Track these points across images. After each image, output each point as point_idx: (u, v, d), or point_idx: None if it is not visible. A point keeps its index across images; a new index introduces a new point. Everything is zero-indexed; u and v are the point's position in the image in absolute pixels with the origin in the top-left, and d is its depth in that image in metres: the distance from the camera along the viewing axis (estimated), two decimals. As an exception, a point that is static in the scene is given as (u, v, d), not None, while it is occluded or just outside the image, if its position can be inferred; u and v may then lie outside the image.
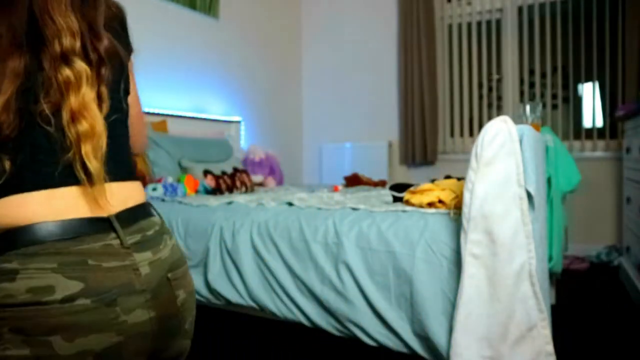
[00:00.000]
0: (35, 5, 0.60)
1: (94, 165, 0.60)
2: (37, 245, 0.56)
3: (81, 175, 0.61)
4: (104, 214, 0.62)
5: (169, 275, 0.67)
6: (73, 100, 0.61)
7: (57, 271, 0.55)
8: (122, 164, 0.70)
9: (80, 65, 0.62)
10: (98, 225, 0.60)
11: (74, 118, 0.60)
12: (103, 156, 0.62)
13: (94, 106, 0.63)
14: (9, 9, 0.60)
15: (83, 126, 0.60)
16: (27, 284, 0.54)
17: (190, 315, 0.72)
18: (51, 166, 0.60)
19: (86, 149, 0.60)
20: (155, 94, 3.15)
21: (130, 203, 0.67)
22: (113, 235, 0.61)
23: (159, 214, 0.74)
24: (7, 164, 0.58)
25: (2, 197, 0.58)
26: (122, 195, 0.66)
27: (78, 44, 0.62)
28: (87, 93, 0.62)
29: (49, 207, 0.58)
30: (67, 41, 0.61)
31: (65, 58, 0.61)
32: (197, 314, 2.36)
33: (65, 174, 0.61)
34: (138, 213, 0.68)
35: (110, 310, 0.57)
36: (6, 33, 0.59)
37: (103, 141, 0.62)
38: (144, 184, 2.41)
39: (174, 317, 0.67)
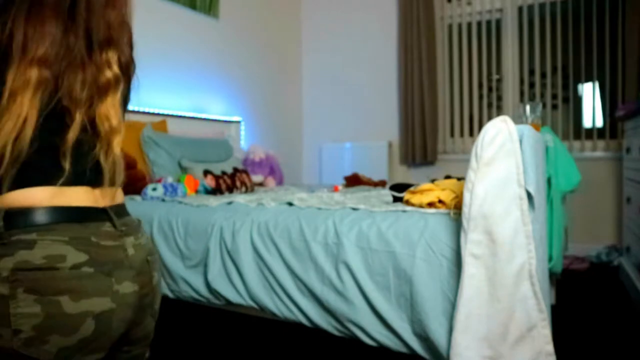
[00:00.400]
0: (91, 22, 0.72)
1: (117, 153, 0.74)
2: (52, 223, 0.66)
3: (104, 164, 0.73)
4: (101, 206, 0.73)
5: (148, 257, 0.79)
6: (109, 101, 0.73)
7: (68, 243, 0.65)
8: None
9: (117, 70, 0.74)
10: (98, 214, 0.72)
11: (108, 116, 0.73)
12: (120, 151, 0.75)
13: (119, 109, 0.76)
14: (74, 24, 0.70)
15: (114, 122, 0.73)
16: (43, 252, 0.64)
17: (159, 297, 0.83)
18: (78, 168, 0.72)
19: (116, 140, 0.74)
20: (155, 94, 3.15)
21: (118, 202, 0.79)
22: (108, 223, 0.72)
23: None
24: (67, 165, 0.69)
25: (31, 186, 0.67)
26: (110, 193, 0.78)
27: (116, 56, 0.75)
28: (117, 97, 0.75)
29: (66, 197, 0.69)
30: (111, 52, 0.73)
31: (109, 64, 0.73)
32: (197, 314, 2.35)
33: (82, 175, 0.72)
34: (123, 210, 0.80)
35: (108, 279, 0.68)
36: (79, 47, 0.70)
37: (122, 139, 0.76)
38: (144, 184, 2.41)
39: (149, 294, 0.78)
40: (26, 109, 0.65)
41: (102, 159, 0.73)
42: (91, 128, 0.72)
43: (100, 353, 0.69)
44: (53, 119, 0.68)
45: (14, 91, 0.65)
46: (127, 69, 0.79)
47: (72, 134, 0.69)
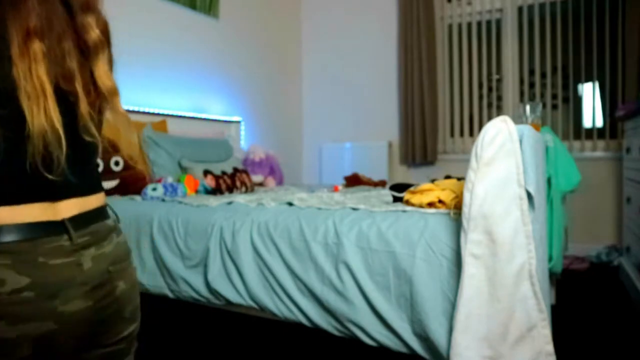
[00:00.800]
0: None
1: (122, 112, 0.74)
2: (2, 244, 0.63)
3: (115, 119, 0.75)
4: (60, 218, 0.69)
5: (110, 268, 0.75)
6: (101, 64, 0.72)
7: (10, 267, 0.63)
8: (90, 172, 0.78)
9: (100, 34, 0.73)
10: (53, 229, 0.67)
11: (103, 78, 0.72)
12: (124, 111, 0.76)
13: (111, 72, 0.75)
14: (52, 8, 0.68)
15: (110, 83, 0.73)
16: None
17: (130, 304, 0.79)
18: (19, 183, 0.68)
19: (117, 99, 0.74)
20: (155, 94, 3.15)
21: (88, 208, 0.74)
22: (65, 237, 0.68)
23: (115, 213, 0.83)
24: (94, 135, 0.72)
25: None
26: (80, 202, 0.73)
27: (95, 20, 0.73)
28: (106, 60, 0.74)
29: (21, 213, 0.65)
30: (90, 17, 0.72)
31: (91, 27, 0.71)
32: (197, 314, 2.35)
33: (34, 191, 0.67)
34: (93, 216, 0.75)
35: (50, 302, 0.65)
36: (59, 16, 0.69)
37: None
38: (144, 184, 2.41)
39: (111, 305, 0.74)
40: (45, 83, 0.64)
41: (111, 116, 0.75)
42: (93, 92, 0.72)
43: None
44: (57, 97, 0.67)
45: (27, 68, 0.63)
46: (107, 34, 0.77)
47: (84, 106, 0.69)
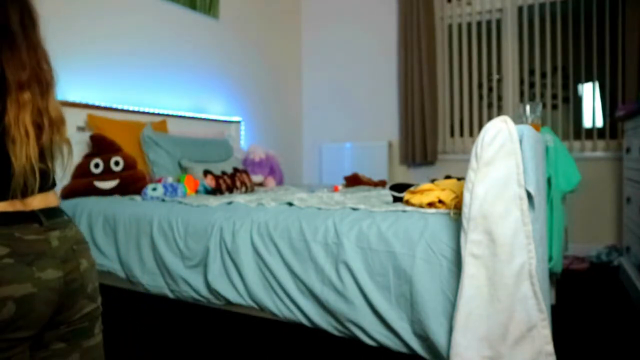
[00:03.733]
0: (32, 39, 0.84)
1: (65, 139, 0.88)
2: None
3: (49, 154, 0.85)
4: (30, 209, 0.82)
5: (74, 247, 0.87)
6: (51, 97, 0.85)
7: None
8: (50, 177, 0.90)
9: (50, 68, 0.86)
10: (26, 217, 0.81)
11: (55, 109, 0.86)
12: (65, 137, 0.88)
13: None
14: (34, 49, 0.83)
15: (58, 115, 0.87)
16: None
17: (91, 282, 0.91)
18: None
19: (62, 128, 0.87)
20: (155, 94, 3.15)
21: (50, 205, 0.88)
22: (36, 225, 0.81)
23: (65, 213, 0.95)
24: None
25: None
26: (44, 198, 0.87)
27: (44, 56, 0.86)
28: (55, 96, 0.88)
29: None
30: (41, 54, 0.85)
31: (47, 62, 0.86)
32: (197, 314, 2.34)
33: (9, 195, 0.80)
34: (54, 212, 0.88)
35: (29, 268, 0.77)
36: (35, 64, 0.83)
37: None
38: (144, 184, 2.41)
39: (77, 279, 0.86)
40: (29, 128, 0.78)
41: (54, 149, 0.85)
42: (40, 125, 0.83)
43: (29, 331, 0.78)
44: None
45: (16, 115, 0.77)
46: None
47: (46, 137, 0.83)
